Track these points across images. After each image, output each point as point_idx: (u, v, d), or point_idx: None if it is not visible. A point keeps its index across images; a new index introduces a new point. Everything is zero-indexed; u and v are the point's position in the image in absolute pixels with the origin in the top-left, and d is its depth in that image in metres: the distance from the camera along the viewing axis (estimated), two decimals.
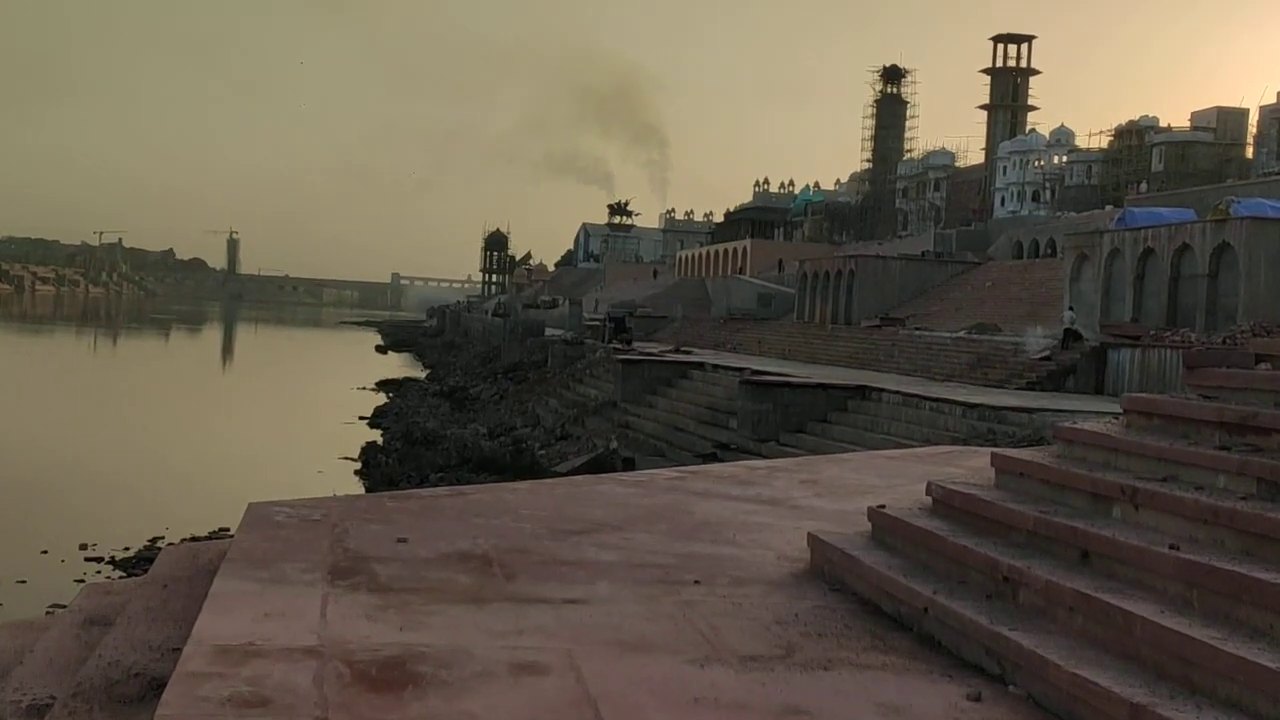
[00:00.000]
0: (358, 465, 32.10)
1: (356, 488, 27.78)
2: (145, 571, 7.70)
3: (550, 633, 5.24)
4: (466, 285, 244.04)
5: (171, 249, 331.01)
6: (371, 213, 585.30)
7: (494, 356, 67.06)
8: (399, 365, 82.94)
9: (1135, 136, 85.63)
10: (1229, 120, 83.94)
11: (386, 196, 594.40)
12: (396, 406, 48.91)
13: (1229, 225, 32.49)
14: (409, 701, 4.32)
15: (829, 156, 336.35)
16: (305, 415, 48.32)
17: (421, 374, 71.82)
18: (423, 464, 31.08)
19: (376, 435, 38.92)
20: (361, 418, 44.38)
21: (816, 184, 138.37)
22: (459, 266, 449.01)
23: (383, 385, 59.80)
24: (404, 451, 33.66)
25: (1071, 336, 31.31)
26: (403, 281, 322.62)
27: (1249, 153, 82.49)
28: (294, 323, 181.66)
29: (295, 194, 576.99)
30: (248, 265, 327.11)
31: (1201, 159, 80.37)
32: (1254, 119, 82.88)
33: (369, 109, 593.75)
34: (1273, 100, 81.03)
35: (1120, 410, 6.68)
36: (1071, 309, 34.09)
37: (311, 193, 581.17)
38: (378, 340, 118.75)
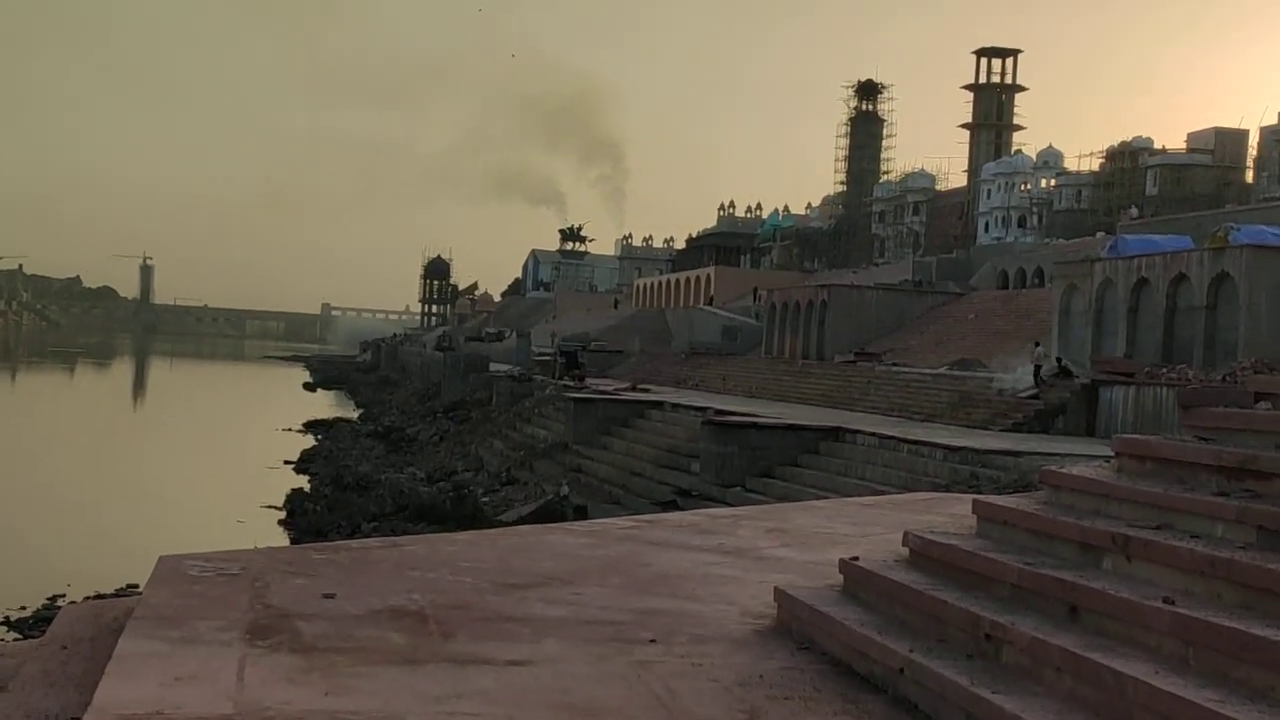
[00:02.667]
0: (282, 514, 31.87)
1: (281, 539, 27.54)
2: (43, 632, 7.59)
3: (491, 697, 5.21)
4: (404, 316, 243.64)
5: (78, 276, 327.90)
6: (299, 237, 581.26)
7: (434, 394, 66.91)
8: (329, 404, 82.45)
9: (1128, 158, 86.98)
10: (1228, 142, 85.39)
11: (316, 219, 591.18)
12: (326, 449, 48.62)
13: (1228, 254, 32.97)
14: None
15: (800, 178, 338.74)
16: (224, 460, 47.91)
17: (353, 413, 71.48)
18: (354, 512, 30.90)
19: (303, 481, 38.65)
20: (287, 462, 44.07)
21: (786, 207, 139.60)
22: (396, 296, 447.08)
23: (311, 426, 59.47)
24: (333, 499, 33.44)
25: (1061, 374, 31.62)
26: (334, 312, 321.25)
27: (1249, 176, 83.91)
28: (213, 357, 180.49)
29: (215, 216, 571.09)
30: (162, 294, 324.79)
31: (1199, 182, 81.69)
32: (1254, 140, 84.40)
33: (295, 123, 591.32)
34: (1273, 121, 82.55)
35: (1111, 453, 6.75)
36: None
37: (233, 215, 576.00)
38: (306, 377, 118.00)
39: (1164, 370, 30.57)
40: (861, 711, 5.25)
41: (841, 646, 6.00)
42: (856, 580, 6.65)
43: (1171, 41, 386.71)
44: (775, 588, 6.92)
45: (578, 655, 5.94)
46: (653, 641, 6.26)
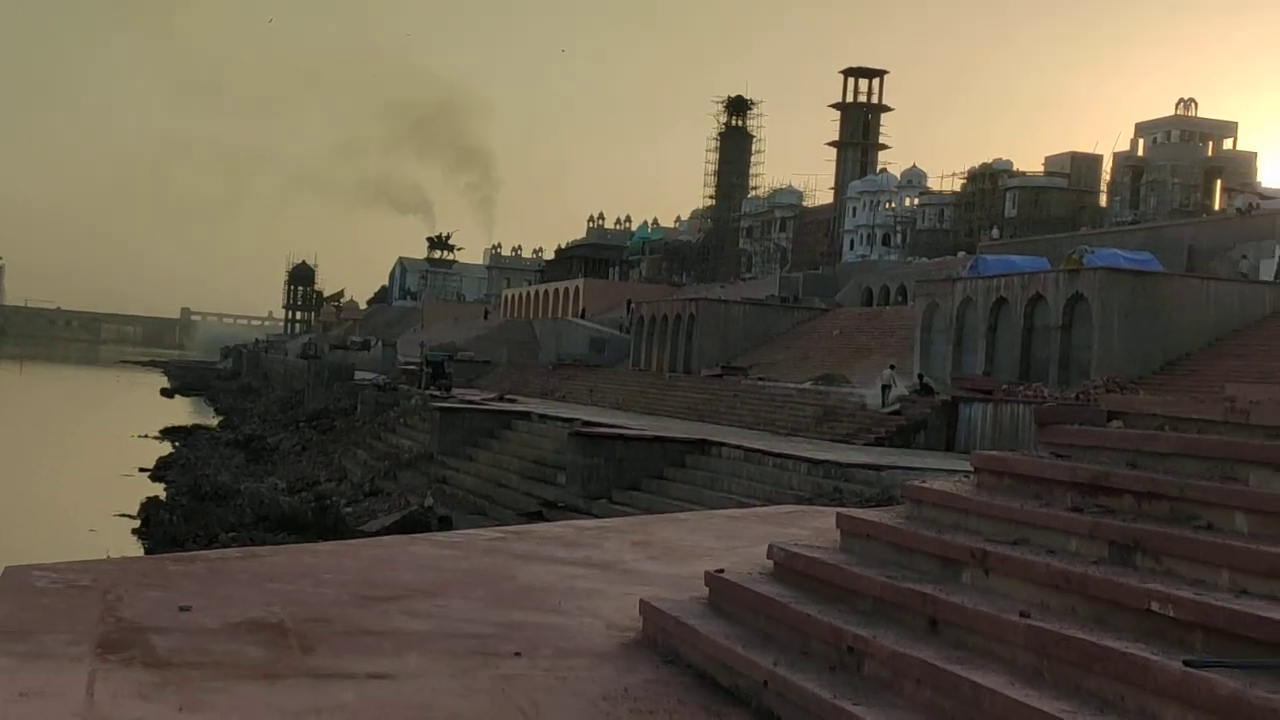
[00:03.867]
0: (136, 524, 31.09)
1: (135, 549, 26.88)
2: None
3: (352, 712, 5.13)
4: (267, 322, 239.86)
5: None
6: (159, 239, 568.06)
7: (296, 402, 65.99)
8: (187, 411, 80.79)
9: (988, 180, 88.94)
10: (1083, 166, 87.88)
11: (177, 221, 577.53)
12: (183, 457, 47.59)
13: (1082, 276, 33.96)
14: None
15: (670, 191, 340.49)
16: (76, 466, 46.57)
17: (213, 421, 70.16)
18: (212, 522, 30.27)
19: (159, 489, 37.74)
20: (142, 469, 43.02)
21: (655, 220, 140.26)
22: (259, 302, 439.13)
23: (168, 433, 58.21)
24: (191, 508, 32.72)
25: (922, 390, 32.26)
26: (194, 317, 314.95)
27: (1103, 200, 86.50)
28: (67, 361, 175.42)
29: (70, 215, 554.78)
30: (12, 295, 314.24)
31: (1055, 205, 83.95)
32: (1108, 165, 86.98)
33: (157, 123, 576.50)
34: (1125, 146, 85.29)
35: (971, 468, 6.89)
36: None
37: (89, 214, 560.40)
38: (164, 383, 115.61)
39: (1021, 387, 31.34)
40: None
41: (706, 659, 6.03)
42: (721, 593, 6.69)
43: (1032, 66, 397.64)
44: (641, 600, 6.93)
45: (441, 669, 5.89)
46: (517, 655, 6.23)
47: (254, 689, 5.35)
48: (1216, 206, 76.83)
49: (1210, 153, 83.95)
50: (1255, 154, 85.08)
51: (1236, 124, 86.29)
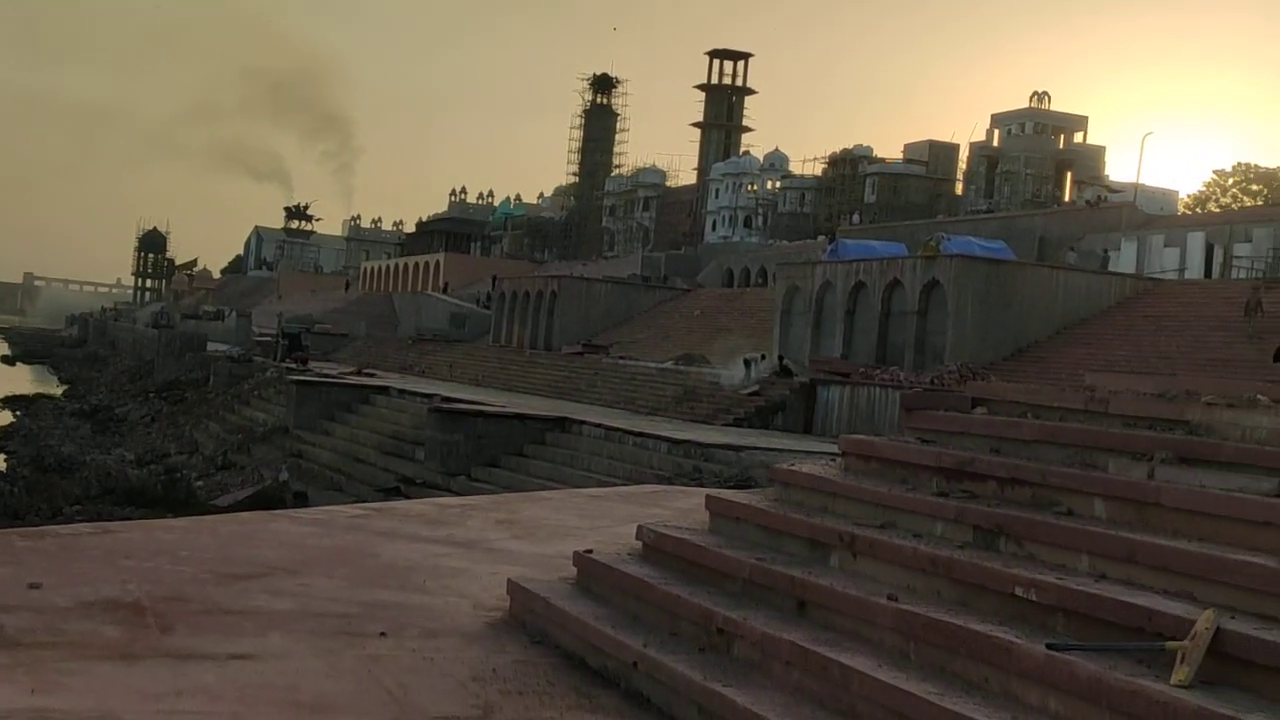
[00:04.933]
0: None
1: None
2: None
3: (214, 694, 5.02)
4: (115, 290, 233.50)
5: None
6: (0, 199, 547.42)
7: (146, 372, 64.39)
8: (29, 379, 78.27)
9: (849, 165, 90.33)
10: (940, 154, 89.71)
11: (18, 182, 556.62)
12: (25, 427, 46.10)
13: (939, 263, 34.70)
14: None
15: (533, 167, 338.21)
16: None
17: (57, 390, 68.14)
18: (56, 495, 29.31)
19: None
20: None
21: (518, 196, 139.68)
22: (107, 268, 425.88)
23: (8, 402, 56.32)
24: (33, 480, 31.66)
25: (782, 372, 32.66)
26: (38, 282, 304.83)
27: (959, 189, 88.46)
28: None
29: None
30: None
31: (913, 192, 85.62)
32: (964, 155, 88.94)
33: None
34: (981, 137, 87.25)
35: (838, 451, 6.98)
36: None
37: None
38: (4, 349, 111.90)
39: (878, 371, 31.90)
40: (595, 706, 5.28)
41: (575, 640, 6.02)
42: (590, 574, 6.69)
43: (893, 55, 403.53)
44: (509, 580, 6.90)
45: (305, 649, 5.79)
46: (383, 635, 6.16)
47: (111, 670, 5.20)
48: (1066, 198, 79.07)
49: (1062, 145, 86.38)
50: (1104, 148, 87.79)
51: (1087, 118, 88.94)
